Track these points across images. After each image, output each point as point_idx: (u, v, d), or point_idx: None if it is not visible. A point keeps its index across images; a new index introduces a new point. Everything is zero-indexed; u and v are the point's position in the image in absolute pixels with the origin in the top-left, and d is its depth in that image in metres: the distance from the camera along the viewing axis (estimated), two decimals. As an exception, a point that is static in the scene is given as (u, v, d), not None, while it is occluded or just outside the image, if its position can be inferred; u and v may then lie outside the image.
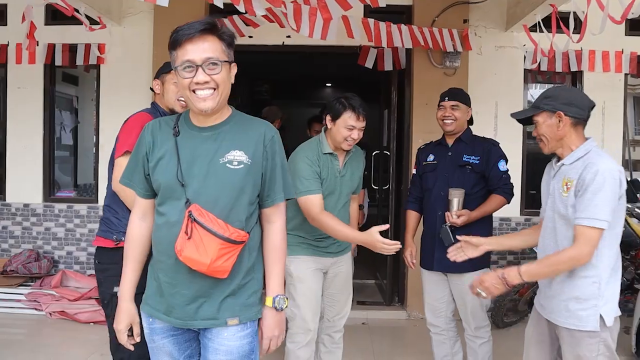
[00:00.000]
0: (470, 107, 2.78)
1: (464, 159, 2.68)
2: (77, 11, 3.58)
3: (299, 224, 2.48)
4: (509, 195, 2.69)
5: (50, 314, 3.97)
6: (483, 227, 2.66)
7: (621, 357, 3.41)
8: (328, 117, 2.47)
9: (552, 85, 4.67)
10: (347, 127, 2.41)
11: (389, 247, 2.19)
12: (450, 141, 2.77)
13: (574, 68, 4.28)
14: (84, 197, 4.62)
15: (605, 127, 4.30)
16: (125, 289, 1.67)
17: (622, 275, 3.57)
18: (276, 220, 1.66)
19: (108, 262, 2.12)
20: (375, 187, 4.87)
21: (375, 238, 2.21)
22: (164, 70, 2.30)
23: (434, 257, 2.70)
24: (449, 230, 2.56)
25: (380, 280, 4.86)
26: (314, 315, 2.51)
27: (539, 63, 4.13)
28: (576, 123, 1.89)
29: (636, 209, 3.68)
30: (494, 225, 4.32)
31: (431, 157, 2.82)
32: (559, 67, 4.27)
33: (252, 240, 1.60)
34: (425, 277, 2.82)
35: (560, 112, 1.88)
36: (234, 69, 1.57)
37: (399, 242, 2.21)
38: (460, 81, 4.18)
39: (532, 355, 2.08)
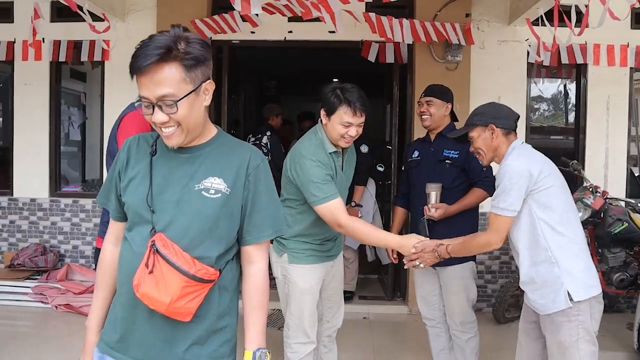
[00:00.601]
0: (449, 102, 2.77)
1: (444, 154, 2.71)
2: (81, 9, 3.63)
3: (304, 229, 2.34)
4: (490, 188, 2.65)
5: (56, 307, 4.03)
6: (466, 221, 2.68)
7: (623, 354, 3.44)
8: (322, 111, 2.28)
9: (557, 79, 4.64)
10: (343, 123, 2.20)
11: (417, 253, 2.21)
12: (432, 137, 2.81)
13: (579, 61, 4.23)
14: (89, 192, 4.68)
15: (610, 122, 4.26)
16: (93, 321, 1.49)
17: (625, 271, 3.60)
18: (258, 261, 1.44)
19: None
20: (380, 183, 4.88)
21: (412, 243, 2.19)
22: None
23: None
24: (425, 223, 2.62)
25: (382, 275, 4.87)
26: (314, 326, 2.43)
27: (543, 57, 4.11)
28: (507, 133, 2.09)
29: (639, 205, 3.64)
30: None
31: (416, 154, 2.86)
32: (563, 60, 4.23)
33: (224, 280, 1.39)
34: (415, 270, 2.85)
35: (492, 124, 2.08)
36: (210, 86, 1.34)
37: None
38: (462, 75, 4.17)
39: (524, 346, 2.17)
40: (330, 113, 2.24)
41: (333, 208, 2.17)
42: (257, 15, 3.27)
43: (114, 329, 1.40)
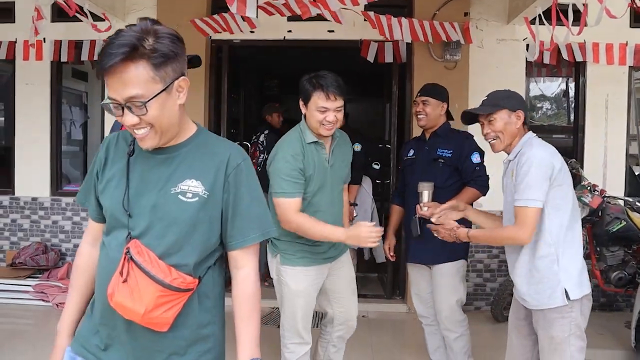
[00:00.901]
0: (444, 102, 2.78)
1: (437, 153, 2.73)
2: (82, 9, 3.65)
3: None
4: (482, 188, 2.71)
5: (56, 305, 4.06)
6: (459, 220, 2.67)
7: (621, 352, 3.45)
8: (300, 102, 2.28)
9: (556, 78, 4.64)
10: (319, 109, 2.17)
11: (375, 233, 2.12)
12: (427, 136, 2.84)
13: (579, 58, 4.23)
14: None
15: (608, 121, 4.27)
16: (65, 324, 1.43)
17: (624, 270, 3.61)
18: (245, 265, 1.36)
19: None
20: (378, 181, 4.89)
21: (361, 229, 2.13)
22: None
23: (410, 249, 2.82)
24: (417, 222, 2.64)
25: (381, 274, 4.89)
26: (307, 327, 2.42)
27: (542, 55, 4.11)
28: (524, 122, 2.08)
29: (637, 203, 3.65)
30: (495, 219, 4.34)
31: (411, 152, 2.89)
32: (563, 57, 4.22)
33: (205, 287, 1.33)
34: (410, 269, 2.92)
35: (521, 110, 2.04)
36: (184, 83, 1.26)
37: (381, 228, 2.18)
38: (461, 74, 4.18)
39: (514, 342, 2.18)
40: (306, 101, 2.24)
41: (284, 205, 2.17)
42: (256, 17, 3.28)
43: (94, 333, 1.34)
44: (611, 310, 4.22)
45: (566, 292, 1.93)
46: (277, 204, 2.20)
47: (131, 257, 1.24)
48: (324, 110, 2.17)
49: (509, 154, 2.09)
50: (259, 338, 1.36)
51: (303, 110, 2.27)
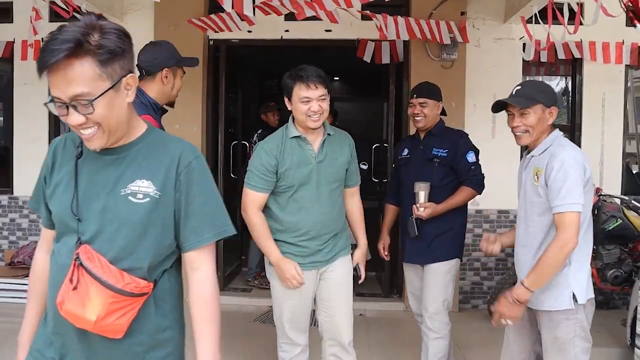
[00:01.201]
0: (440, 100, 2.78)
1: (432, 152, 2.72)
2: (80, 9, 3.66)
3: (279, 225, 2.29)
4: (478, 187, 2.71)
5: (55, 303, 4.08)
6: (456, 219, 2.74)
7: (616, 349, 3.46)
8: (285, 99, 2.26)
9: (552, 77, 4.65)
10: (302, 100, 2.15)
11: (298, 278, 2.21)
12: (422, 135, 2.83)
13: (576, 55, 4.25)
14: (88, 190, 4.71)
15: (605, 120, 4.28)
16: (25, 336, 1.42)
17: (620, 268, 3.62)
18: (201, 266, 1.30)
19: None
20: (375, 180, 4.91)
21: (288, 267, 2.20)
22: (178, 63, 2.21)
23: (406, 250, 2.80)
24: (414, 223, 2.64)
25: (379, 272, 4.90)
26: (299, 332, 2.36)
27: (539, 55, 4.13)
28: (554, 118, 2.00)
29: (633, 202, 3.66)
30: (492, 218, 4.36)
31: (405, 152, 2.88)
32: (560, 55, 4.23)
33: (161, 291, 1.28)
34: (405, 268, 2.92)
35: (555, 107, 1.97)
36: (132, 81, 1.21)
37: (303, 281, 2.22)
38: (458, 74, 4.20)
39: (512, 340, 2.16)
40: (289, 96, 2.22)
41: (247, 196, 2.23)
42: (254, 15, 3.29)
43: (48, 345, 1.31)
44: (607, 308, 4.23)
45: (574, 295, 1.91)
46: (244, 193, 2.26)
47: (81, 263, 1.19)
48: (307, 101, 2.15)
49: (531, 149, 2.03)
50: (219, 342, 1.30)
51: (289, 107, 2.26)
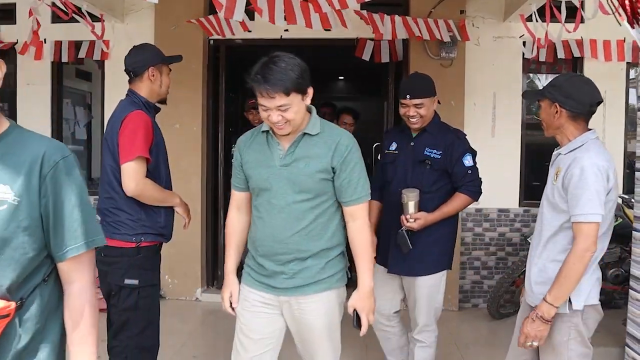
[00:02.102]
0: (435, 94, 2.49)
1: (424, 153, 2.44)
2: (80, 10, 3.69)
3: (249, 234, 1.99)
4: (475, 194, 2.48)
5: (57, 302, 4.11)
6: (446, 227, 2.49)
7: (617, 349, 3.43)
8: None
9: (553, 75, 4.63)
10: (261, 107, 1.75)
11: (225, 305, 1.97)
12: (414, 130, 2.52)
13: (576, 54, 4.22)
14: (94, 190, 4.74)
15: (606, 118, 4.24)
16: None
17: (620, 267, 3.60)
18: (76, 279, 1.17)
19: (117, 256, 2.18)
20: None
21: (223, 290, 1.95)
22: (163, 60, 2.31)
23: (389, 259, 2.52)
24: (406, 236, 2.37)
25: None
26: (246, 358, 1.92)
27: (539, 53, 4.11)
28: (574, 116, 1.89)
29: (632, 201, 3.63)
30: (492, 217, 4.35)
31: (393, 146, 2.57)
32: (559, 55, 4.22)
33: (29, 310, 1.13)
34: (375, 271, 2.40)
35: (557, 103, 1.90)
36: None
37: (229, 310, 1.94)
38: (458, 72, 4.19)
39: (514, 341, 2.14)
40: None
41: (231, 194, 2.02)
42: (251, 20, 3.31)
43: None
44: (608, 307, 4.19)
45: (570, 301, 1.87)
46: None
47: None
48: (265, 109, 1.72)
49: (560, 146, 1.98)
50: (95, 357, 1.20)
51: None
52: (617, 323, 3.67)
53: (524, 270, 3.80)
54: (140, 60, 2.25)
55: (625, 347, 2.90)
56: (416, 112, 2.41)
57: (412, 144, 2.52)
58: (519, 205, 4.34)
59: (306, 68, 1.75)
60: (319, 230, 1.83)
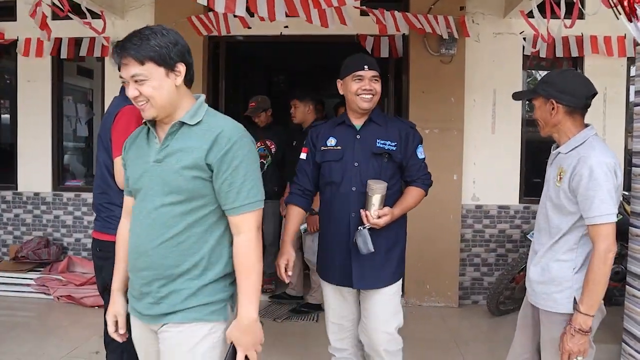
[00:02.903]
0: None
1: (378, 145, 2.15)
2: (79, 7, 3.69)
3: None
4: (428, 187, 2.27)
5: (57, 298, 4.13)
6: (400, 230, 2.26)
7: (615, 346, 3.43)
8: None
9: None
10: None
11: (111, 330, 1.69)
12: (357, 121, 2.20)
13: (574, 54, 4.21)
14: (91, 186, 4.75)
15: (606, 115, 4.23)
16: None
17: (620, 263, 3.58)
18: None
19: (112, 251, 2.14)
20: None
21: (108, 310, 1.65)
22: None
23: (352, 273, 2.16)
24: (367, 235, 2.05)
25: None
26: None
27: (539, 49, 4.10)
28: (571, 111, 1.85)
29: (632, 197, 3.62)
30: (492, 213, 4.34)
31: (332, 141, 2.21)
32: (559, 53, 4.21)
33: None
34: (329, 291, 2.29)
35: (553, 99, 1.86)
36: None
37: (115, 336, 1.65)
38: (457, 69, 4.18)
39: (516, 340, 2.13)
40: None
41: None
42: (252, 16, 3.29)
43: None
44: (608, 305, 4.17)
45: (576, 301, 1.83)
46: None
47: None
48: (125, 83, 1.51)
49: (558, 144, 1.93)
50: None
51: None
52: (617, 320, 3.65)
53: (524, 267, 3.86)
54: None
55: (622, 343, 2.90)
56: (372, 86, 2.13)
57: (358, 136, 2.19)
58: (519, 202, 4.33)
59: (178, 42, 1.48)
60: (191, 242, 1.47)
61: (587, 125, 1.90)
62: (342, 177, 2.17)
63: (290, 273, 2.14)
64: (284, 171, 4.23)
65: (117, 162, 2.09)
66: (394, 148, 2.15)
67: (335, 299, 2.28)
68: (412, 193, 2.21)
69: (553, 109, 1.86)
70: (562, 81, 1.88)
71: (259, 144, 4.25)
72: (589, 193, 1.74)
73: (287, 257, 2.14)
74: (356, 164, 2.15)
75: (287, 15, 3.17)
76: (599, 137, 1.89)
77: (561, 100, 1.84)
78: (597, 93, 1.89)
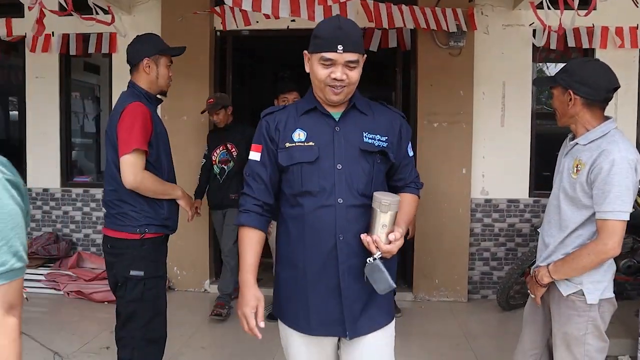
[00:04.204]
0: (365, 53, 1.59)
1: (366, 140, 1.58)
2: (86, 3, 3.69)
3: None
4: (419, 191, 1.76)
5: (67, 293, 4.16)
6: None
7: (627, 341, 3.40)
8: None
9: (563, 64, 4.55)
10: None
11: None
12: (334, 109, 1.61)
13: (585, 45, 4.15)
14: (100, 182, 4.79)
15: (618, 107, 4.17)
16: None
17: (633, 257, 3.54)
18: None
19: (123, 248, 2.18)
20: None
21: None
22: (160, 52, 2.25)
23: (344, 318, 1.57)
24: (383, 268, 1.46)
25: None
26: None
27: (549, 41, 4.04)
28: (589, 103, 1.79)
29: (645, 189, 3.58)
30: (502, 207, 4.31)
31: (301, 135, 1.59)
32: (569, 44, 4.14)
33: None
34: (299, 344, 1.64)
35: (571, 90, 1.80)
36: None
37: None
38: (466, 61, 4.14)
39: (526, 336, 2.11)
40: None
41: None
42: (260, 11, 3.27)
43: None
44: (620, 299, 4.13)
45: (584, 294, 1.81)
46: None
47: None
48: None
49: (575, 135, 1.88)
50: None
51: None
52: (630, 314, 3.62)
53: (534, 261, 3.82)
54: (136, 50, 2.24)
55: (639, 337, 2.87)
56: (346, 74, 1.51)
57: (337, 128, 1.59)
58: (529, 196, 4.29)
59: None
60: None
61: (607, 118, 1.83)
62: (320, 185, 1.55)
63: (262, 324, 1.53)
64: None
65: (125, 160, 2.09)
66: (385, 144, 1.60)
67: (308, 354, 1.64)
68: (410, 201, 1.68)
69: (570, 99, 1.80)
70: (583, 72, 1.81)
71: (220, 148, 3.84)
72: (606, 187, 1.69)
73: (256, 303, 1.54)
74: (339, 167, 1.55)
75: (290, 15, 3.16)
76: (620, 130, 1.82)
77: (579, 91, 1.78)
78: (619, 87, 1.82)
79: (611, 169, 1.68)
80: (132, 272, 2.16)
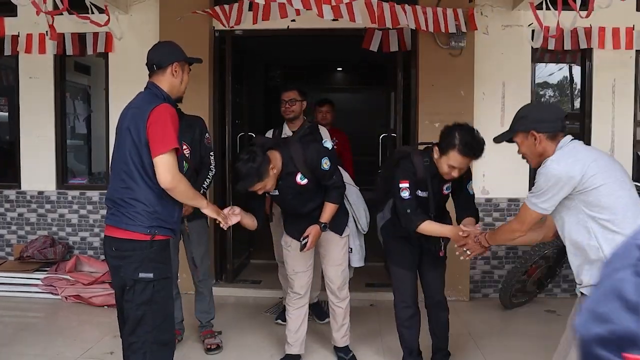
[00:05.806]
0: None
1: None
2: (82, 2, 3.63)
3: None
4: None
5: (65, 297, 4.08)
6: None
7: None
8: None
9: (561, 64, 4.61)
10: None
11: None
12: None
13: (583, 45, 4.20)
14: (96, 184, 4.71)
15: (615, 106, 4.24)
16: None
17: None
18: None
19: (130, 249, 2.14)
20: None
21: None
22: (186, 59, 2.33)
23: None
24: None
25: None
26: None
27: (547, 42, 4.08)
28: (552, 136, 1.98)
29: (645, 188, 3.63)
30: (502, 206, 4.33)
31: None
32: (567, 45, 4.20)
33: None
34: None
35: (532, 130, 1.98)
36: None
37: None
38: (467, 61, 4.16)
39: (562, 340, 2.09)
40: None
41: None
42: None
43: None
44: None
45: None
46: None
47: None
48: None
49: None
50: None
51: None
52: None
53: (536, 260, 3.86)
54: (167, 53, 2.27)
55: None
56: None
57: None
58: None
59: None
60: None
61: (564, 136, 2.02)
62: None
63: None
64: (202, 175, 3.18)
65: (163, 159, 2.07)
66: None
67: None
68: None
69: (535, 139, 1.97)
70: (534, 112, 2.07)
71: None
72: (536, 183, 1.95)
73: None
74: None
75: (300, 10, 3.14)
76: (573, 144, 1.97)
77: (540, 129, 1.97)
78: (567, 114, 2.08)
79: (541, 170, 1.94)
80: (141, 275, 2.12)
